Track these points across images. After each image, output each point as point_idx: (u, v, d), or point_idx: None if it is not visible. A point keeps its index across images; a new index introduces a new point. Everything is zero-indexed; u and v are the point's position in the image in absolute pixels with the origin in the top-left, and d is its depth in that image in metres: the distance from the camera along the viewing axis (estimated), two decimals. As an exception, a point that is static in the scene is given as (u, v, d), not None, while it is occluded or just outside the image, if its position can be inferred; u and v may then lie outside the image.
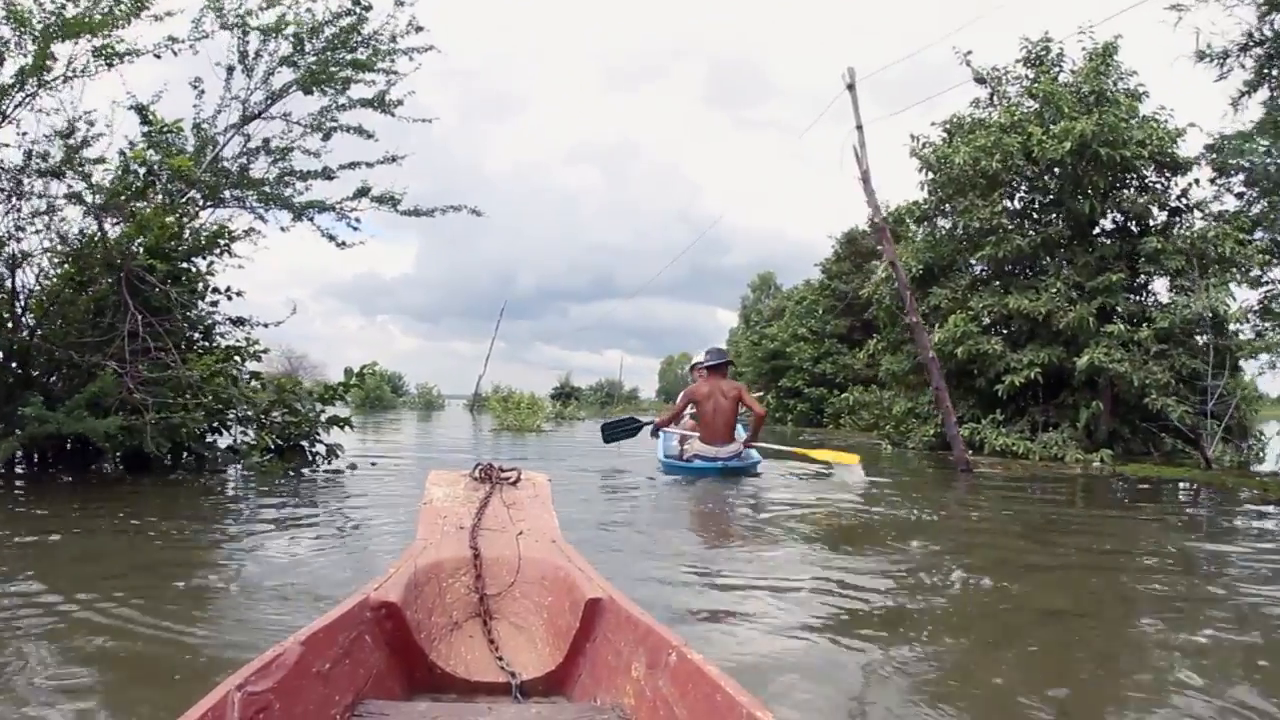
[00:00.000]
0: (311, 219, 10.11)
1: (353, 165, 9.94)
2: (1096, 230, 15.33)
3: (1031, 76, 15.69)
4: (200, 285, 8.85)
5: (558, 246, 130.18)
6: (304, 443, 9.01)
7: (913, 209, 15.79)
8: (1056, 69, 15.61)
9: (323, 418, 9.07)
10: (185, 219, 8.83)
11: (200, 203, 8.86)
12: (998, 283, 15.27)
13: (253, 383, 8.66)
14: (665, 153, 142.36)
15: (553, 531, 2.43)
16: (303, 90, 9.77)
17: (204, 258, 8.90)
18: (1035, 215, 15.43)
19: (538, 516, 2.54)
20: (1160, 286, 14.90)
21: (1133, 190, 14.77)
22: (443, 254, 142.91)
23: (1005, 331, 14.94)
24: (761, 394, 28.14)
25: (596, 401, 59.48)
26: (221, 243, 8.61)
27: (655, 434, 10.10)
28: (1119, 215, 15.01)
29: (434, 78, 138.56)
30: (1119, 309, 14.11)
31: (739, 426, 9.57)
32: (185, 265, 8.78)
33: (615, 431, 10.50)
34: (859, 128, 10.89)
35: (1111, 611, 3.61)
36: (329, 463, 9.04)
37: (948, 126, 16.18)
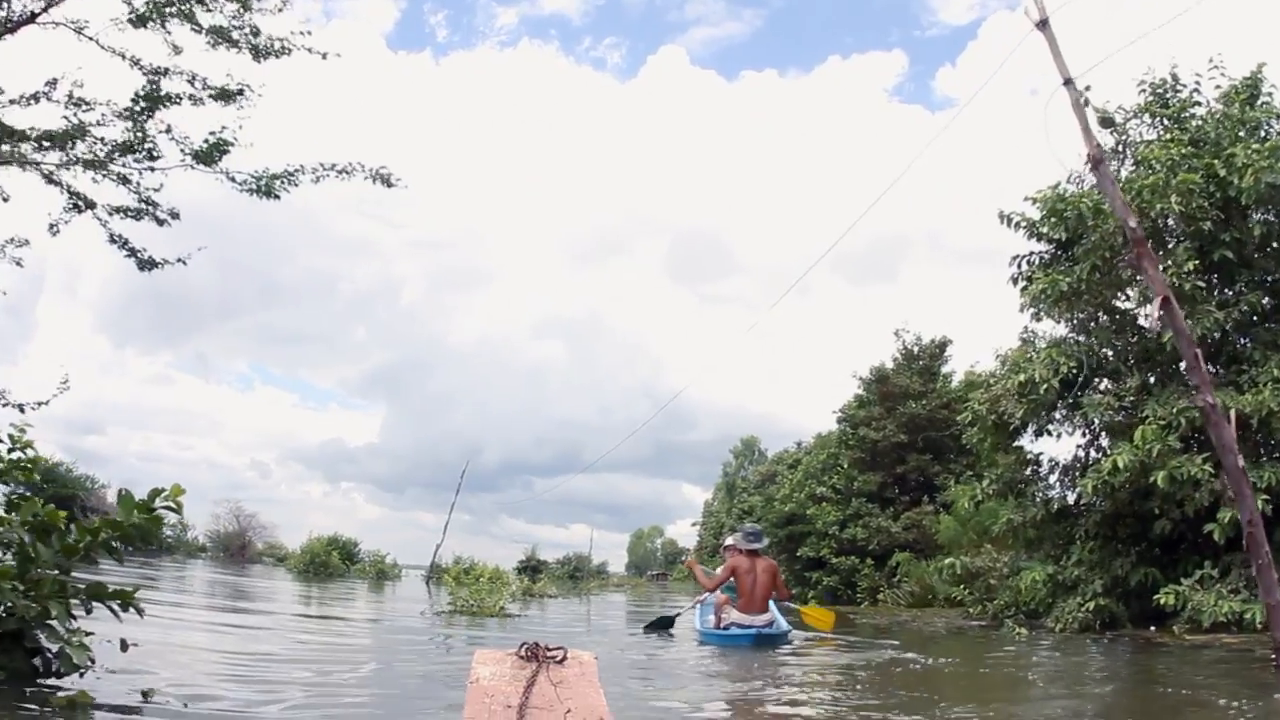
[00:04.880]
0: (84, 204, 5.90)
1: (149, 103, 5.80)
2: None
3: (1165, 123, 11.99)
4: None
5: (523, 420, 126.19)
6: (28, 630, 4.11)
7: (1046, 291, 11.27)
8: (1189, 113, 11.95)
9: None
10: None
11: None
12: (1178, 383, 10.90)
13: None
14: (630, 327, 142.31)
15: (601, 710, 2.42)
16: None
17: None
18: (1218, 281, 11.27)
19: (585, 695, 2.52)
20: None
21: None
22: (408, 424, 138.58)
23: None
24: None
25: (564, 575, 55.09)
26: None
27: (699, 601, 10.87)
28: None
29: (403, 247, 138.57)
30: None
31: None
32: None
33: (657, 626, 10.67)
34: (1069, 83, 6.56)
35: None
36: (80, 674, 4.14)
37: (1054, 200, 12.14)
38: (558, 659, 2.82)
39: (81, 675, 4.22)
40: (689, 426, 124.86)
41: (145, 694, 4.07)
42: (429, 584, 28.97)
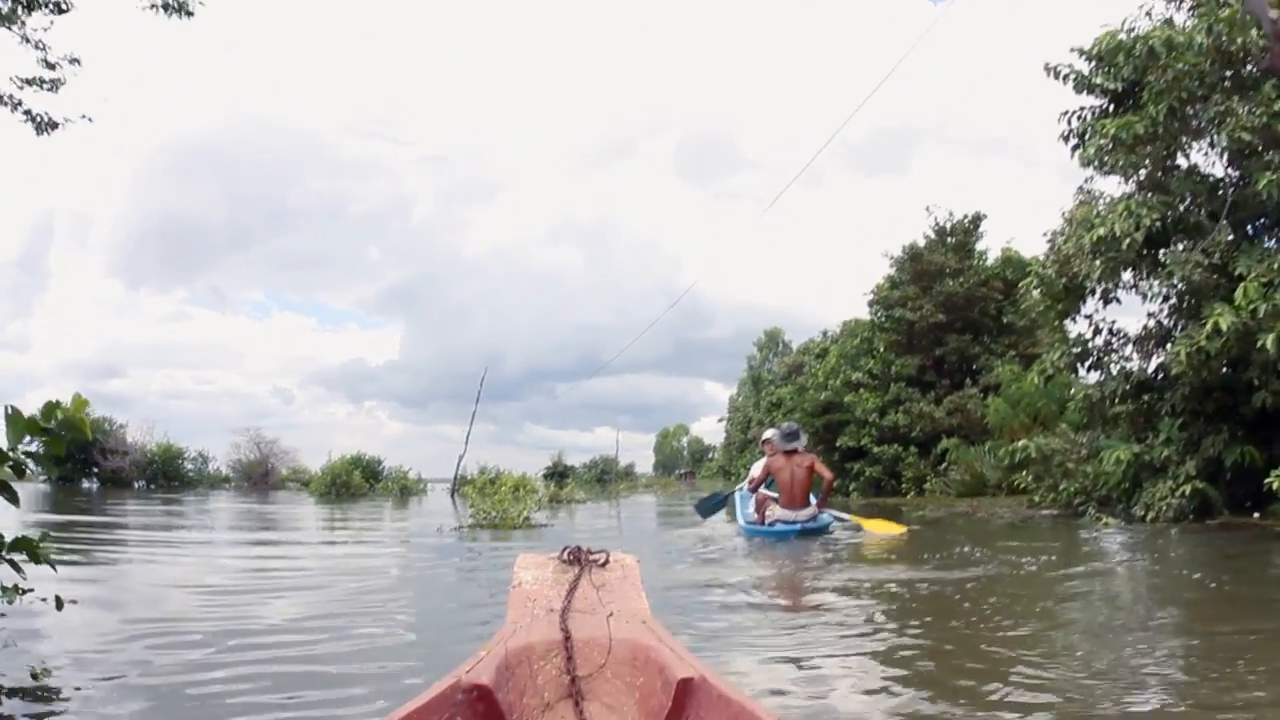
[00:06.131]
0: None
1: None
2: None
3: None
4: None
5: (542, 327, 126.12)
6: None
7: (1119, 136, 9.79)
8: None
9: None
10: None
11: None
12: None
13: None
14: (642, 229, 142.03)
15: (643, 612, 2.38)
16: None
17: None
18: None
19: (627, 598, 2.49)
20: None
21: None
22: (427, 339, 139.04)
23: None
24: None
25: (592, 479, 54.99)
26: None
27: (752, 491, 10.52)
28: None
29: (411, 163, 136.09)
30: None
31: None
32: None
33: (709, 507, 10.55)
34: None
35: None
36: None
37: (1099, 50, 10.66)
38: (600, 562, 2.70)
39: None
40: (707, 323, 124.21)
41: (34, 676, 3.07)
42: (454, 497, 28.35)
